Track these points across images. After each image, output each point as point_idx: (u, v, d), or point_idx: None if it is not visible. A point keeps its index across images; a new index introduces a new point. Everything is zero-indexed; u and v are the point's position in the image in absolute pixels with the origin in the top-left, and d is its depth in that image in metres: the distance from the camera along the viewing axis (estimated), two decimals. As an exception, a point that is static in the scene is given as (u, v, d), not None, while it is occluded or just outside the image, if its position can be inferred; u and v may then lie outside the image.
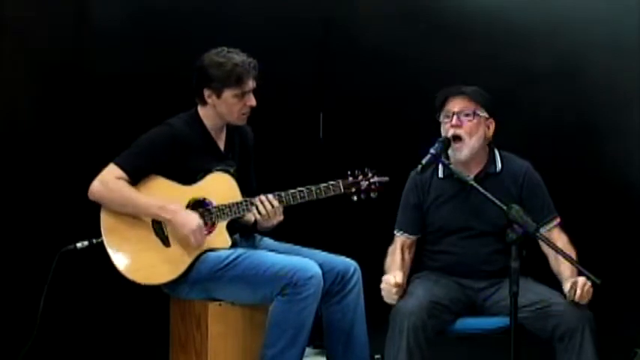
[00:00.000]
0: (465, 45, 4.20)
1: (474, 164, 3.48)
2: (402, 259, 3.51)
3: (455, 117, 3.42)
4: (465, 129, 3.41)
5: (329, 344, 3.53)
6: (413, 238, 3.58)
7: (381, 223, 3.78)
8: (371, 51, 4.30)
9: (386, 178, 3.57)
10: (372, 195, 3.57)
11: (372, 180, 3.57)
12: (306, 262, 3.36)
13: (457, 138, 3.41)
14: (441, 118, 3.47)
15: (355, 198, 3.56)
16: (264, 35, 4.22)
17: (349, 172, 3.53)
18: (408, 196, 3.60)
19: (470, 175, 3.40)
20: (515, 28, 4.17)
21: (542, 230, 3.31)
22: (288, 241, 3.64)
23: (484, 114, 3.45)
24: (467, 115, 3.42)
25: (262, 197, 3.47)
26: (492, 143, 3.53)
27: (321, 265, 3.41)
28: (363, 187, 3.56)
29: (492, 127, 3.49)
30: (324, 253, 3.54)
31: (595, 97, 4.03)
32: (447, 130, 3.43)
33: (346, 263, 3.50)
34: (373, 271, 3.60)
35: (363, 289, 3.51)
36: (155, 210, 3.41)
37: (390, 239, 3.57)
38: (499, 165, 3.50)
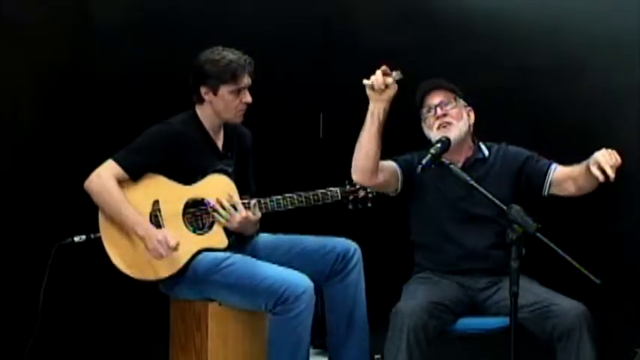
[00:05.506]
0: (465, 44, 4.20)
1: (463, 152, 3.54)
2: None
3: (437, 109, 3.50)
4: (451, 116, 3.50)
5: (330, 324, 3.54)
6: (395, 167, 3.53)
7: (381, 216, 3.78)
8: (371, 51, 4.30)
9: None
10: (369, 204, 3.62)
11: (369, 190, 3.62)
12: (298, 277, 3.34)
13: (447, 124, 3.48)
14: (423, 114, 3.55)
15: (351, 207, 3.63)
16: (264, 35, 4.22)
17: (347, 181, 3.56)
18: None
19: (459, 162, 3.47)
20: (515, 27, 4.17)
21: (551, 177, 3.45)
22: (287, 231, 3.64)
23: (462, 102, 3.55)
24: (448, 103, 3.51)
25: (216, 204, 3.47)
26: (476, 136, 3.59)
27: (321, 247, 3.46)
28: (360, 197, 3.64)
29: (472, 115, 3.58)
30: (324, 237, 3.56)
31: (595, 96, 4.03)
32: (432, 124, 3.50)
33: (346, 244, 3.53)
34: (374, 270, 3.60)
35: (363, 287, 3.53)
36: (131, 224, 3.38)
37: (391, 232, 3.56)
38: (486, 152, 3.58)
